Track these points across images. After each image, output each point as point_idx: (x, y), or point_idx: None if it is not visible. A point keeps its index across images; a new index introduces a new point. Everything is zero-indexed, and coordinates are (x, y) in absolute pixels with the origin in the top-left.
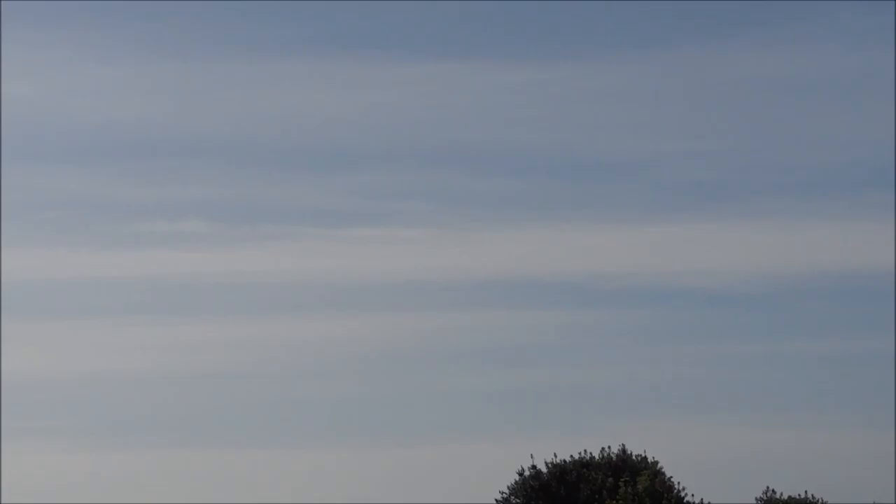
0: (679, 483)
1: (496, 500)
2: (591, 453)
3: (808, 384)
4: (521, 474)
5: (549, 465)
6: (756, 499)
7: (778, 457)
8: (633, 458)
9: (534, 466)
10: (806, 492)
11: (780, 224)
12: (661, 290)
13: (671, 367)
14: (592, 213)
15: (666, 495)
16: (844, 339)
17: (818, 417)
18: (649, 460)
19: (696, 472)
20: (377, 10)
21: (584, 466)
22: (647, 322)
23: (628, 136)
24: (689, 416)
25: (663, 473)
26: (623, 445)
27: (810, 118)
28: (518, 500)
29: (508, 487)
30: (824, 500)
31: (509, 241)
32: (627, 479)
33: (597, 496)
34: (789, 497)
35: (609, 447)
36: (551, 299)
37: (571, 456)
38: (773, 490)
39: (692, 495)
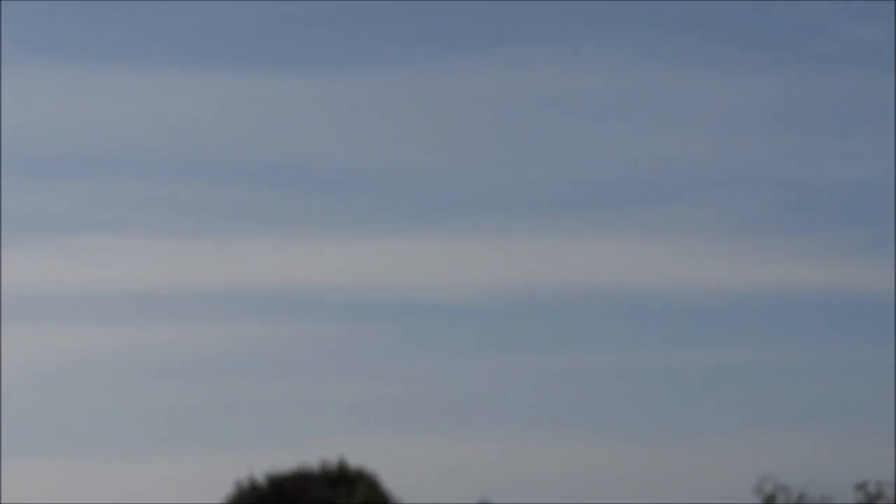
0: (396, 494)
1: None
2: (310, 466)
3: (534, 398)
4: (238, 487)
5: (268, 478)
6: None
7: (496, 467)
8: (352, 470)
9: (251, 479)
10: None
11: (517, 239)
12: (389, 304)
13: (392, 381)
14: (329, 225)
15: None
16: (578, 353)
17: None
18: (367, 472)
19: (414, 485)
20: (129, 17)
21: (302, 479)
22: (372, 336)
23: (368, 149)
24: (411, 430)
25: (381, 485)
26: (342, 458)
27: (558, 134)
28: None
29: (225, 499)
30: None
31: (245, 252)
32: (345, 490)
33: None
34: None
35: (328, 460)
36: (277, 311)
37: (290, 469)
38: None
39: None
